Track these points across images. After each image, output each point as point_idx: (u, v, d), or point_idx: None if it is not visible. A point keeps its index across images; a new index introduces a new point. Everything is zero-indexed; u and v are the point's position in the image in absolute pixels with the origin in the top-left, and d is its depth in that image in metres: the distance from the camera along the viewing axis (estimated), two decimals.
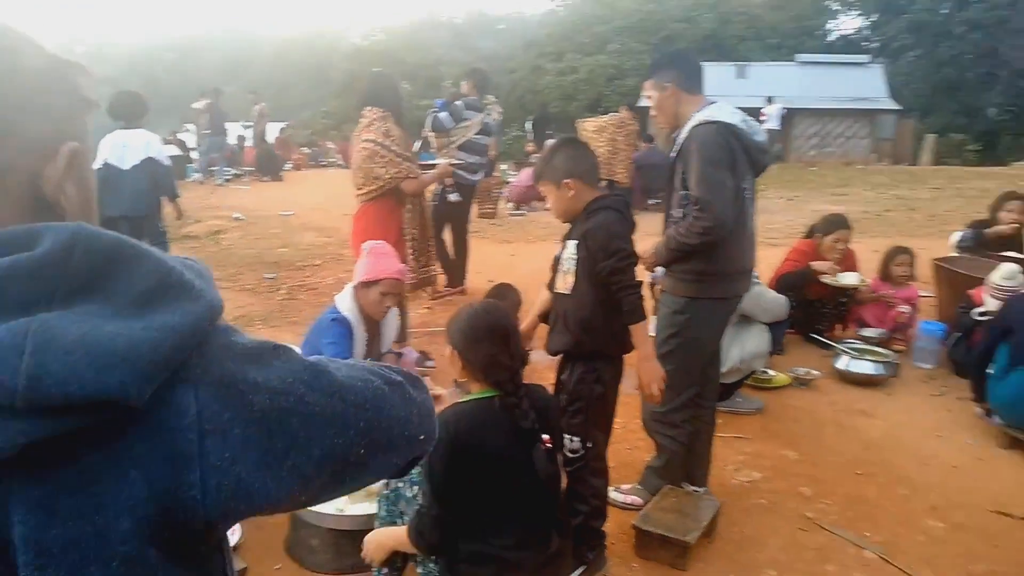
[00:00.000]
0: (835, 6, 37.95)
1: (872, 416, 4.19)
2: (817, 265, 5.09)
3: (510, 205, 11.96)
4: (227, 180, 14.76)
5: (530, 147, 14.25)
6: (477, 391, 2.18)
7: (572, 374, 2.63)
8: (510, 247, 9.04)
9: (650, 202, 11.82)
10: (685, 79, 2.97)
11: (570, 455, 2.59)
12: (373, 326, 3.55)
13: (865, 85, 25.96)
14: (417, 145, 7.17)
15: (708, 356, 3.10)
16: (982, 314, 4.60)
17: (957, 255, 5.82)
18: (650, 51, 29.53)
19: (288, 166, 17.79)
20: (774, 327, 4.30)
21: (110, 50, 46.39)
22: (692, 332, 2.96)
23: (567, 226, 2.67)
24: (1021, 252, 5.57)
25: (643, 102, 18.77)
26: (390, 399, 0.77)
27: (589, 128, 10.50)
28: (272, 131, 19.58)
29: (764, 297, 4.13)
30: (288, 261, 8.16)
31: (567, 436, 2.57)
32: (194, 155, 15.97)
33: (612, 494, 3.07)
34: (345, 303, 3.45)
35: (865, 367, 4.65)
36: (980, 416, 4.09)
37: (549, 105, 17.05)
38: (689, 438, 3.12)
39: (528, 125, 15.47)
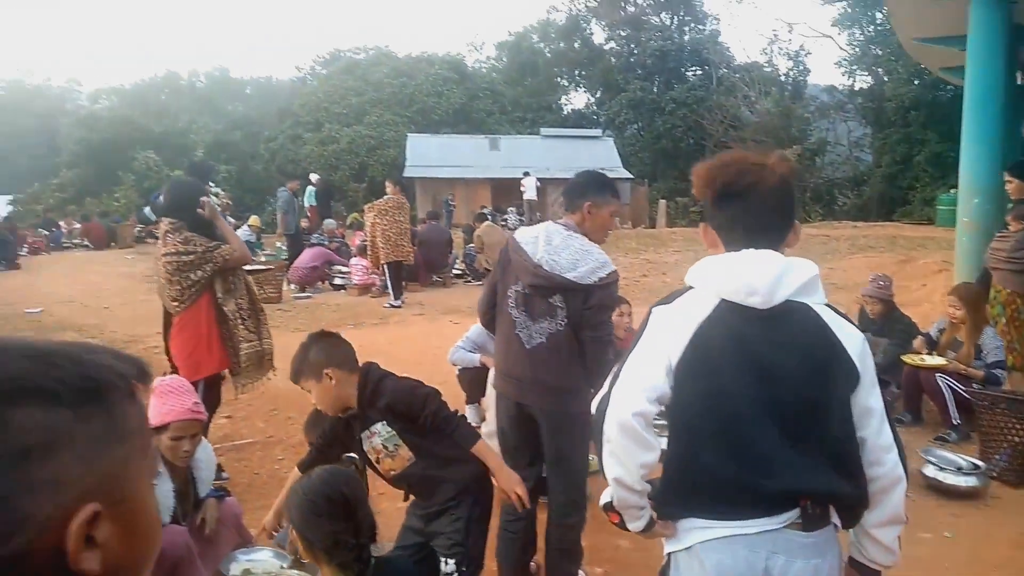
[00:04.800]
0: (565, 82, 42.15)
1: None
2: None
3: (293, 287, 11.60)
4: None
5: (304, 222, 14.03)
6: None
7: (460, 517, 2.67)
8: (303, 337, 8.77)
9: (434, 278, 12.19)
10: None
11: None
12: (180, 473, 3.10)
13: (602, 155, 28.85)
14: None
15: (511, 449, 3.19)
16: None
17: None
18: (406, 122, 30.58)
19: (23, 251, 15.83)
20: None
21: None
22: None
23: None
24: None
25: (408, 173, 19.39)
26: None
27: (371, 213, 10.51)
28: None
29: None
30: None
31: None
32: None
33: None
34: None
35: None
36: None
37: (321, 174, 17.11)
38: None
39: (308, 195, 15.43)
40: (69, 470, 0.65)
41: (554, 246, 3.07)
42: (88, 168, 29.36)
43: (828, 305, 1.71)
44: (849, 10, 31.66)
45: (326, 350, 2.62)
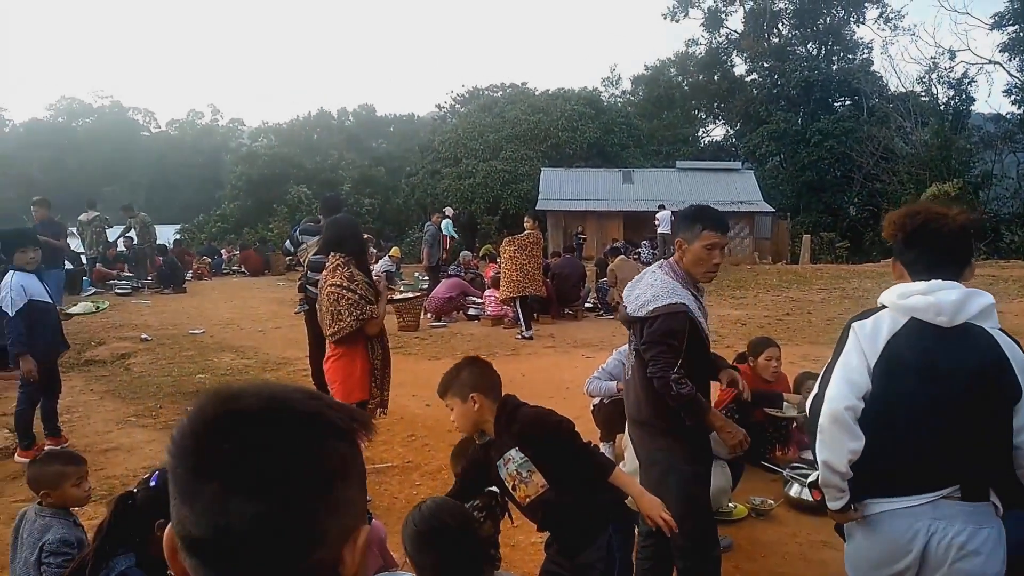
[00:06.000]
0: (703, 115, 41.48)
1: (833, 547, 4.34)
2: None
3: (430, 316, 11.91)
4: (125, 294, 14.13)
5: (444, 255, 14.45)
6: None
7: (602, 543, 2.65)
8: (440, 364, 8.96)
9: (566, 311, 12.19)
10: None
11: None
12: None
13: (741, 188, 28.06)
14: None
15: None
16: None
17: None
18: (540, 156, 31.01)
19: (188, 275, 17.23)
20: (732, 461, 4.44)
21: None
22: None
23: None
24: None
25: (540, 206, 19.73)
26: None
27: (511, 247, 10.65)
28: (164, 236, 18.93)
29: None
30: (209, 390, 7.80)
31: None
32: None
33: None
34: None
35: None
36: None
37: (456, 207, 17.70)
38: None
39: (446, 226, 15.88)
40: (353, 495, 0.75)
41: (639, 283, 3.14)
42: (247, 200, 31.72)
43: (1001, 330, 2.07)
44: (1021, 34, 29.44)
45: (476, 374, 2.72)
